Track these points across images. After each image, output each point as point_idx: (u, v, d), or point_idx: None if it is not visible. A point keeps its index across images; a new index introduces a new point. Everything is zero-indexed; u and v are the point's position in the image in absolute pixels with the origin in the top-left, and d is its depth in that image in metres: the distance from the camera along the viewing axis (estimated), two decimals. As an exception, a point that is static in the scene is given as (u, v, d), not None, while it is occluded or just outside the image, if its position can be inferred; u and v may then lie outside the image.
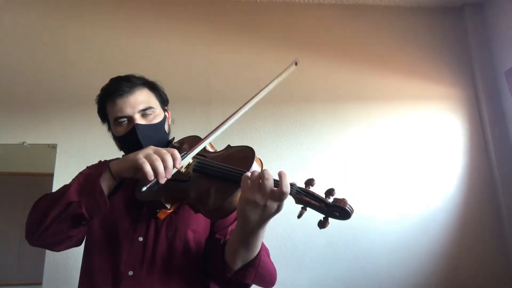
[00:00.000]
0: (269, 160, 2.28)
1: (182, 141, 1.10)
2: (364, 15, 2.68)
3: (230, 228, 0.99)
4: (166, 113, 1.12)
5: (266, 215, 0.76)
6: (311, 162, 2.33)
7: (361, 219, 2.23)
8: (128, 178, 1.06)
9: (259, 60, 2.46)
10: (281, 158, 2.31)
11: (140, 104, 1.01)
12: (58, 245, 0.93)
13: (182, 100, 2.24)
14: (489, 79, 2.56)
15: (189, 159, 0.87)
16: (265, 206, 0.75)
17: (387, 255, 2.22)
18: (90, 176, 0.88)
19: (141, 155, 0.81)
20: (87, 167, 1.12)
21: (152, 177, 0.77)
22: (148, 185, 0.78)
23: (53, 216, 0.83)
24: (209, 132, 0.95)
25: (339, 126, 2.43)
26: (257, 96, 0.98)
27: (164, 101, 1.12)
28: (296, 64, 1.03)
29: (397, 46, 2.63)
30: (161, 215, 0.92)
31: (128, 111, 1.00)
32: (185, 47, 2.44)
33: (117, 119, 1.01)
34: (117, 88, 1.02)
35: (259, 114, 2.37)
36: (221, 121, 0.93)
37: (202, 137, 1.09)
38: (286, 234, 2.14)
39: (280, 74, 1.01)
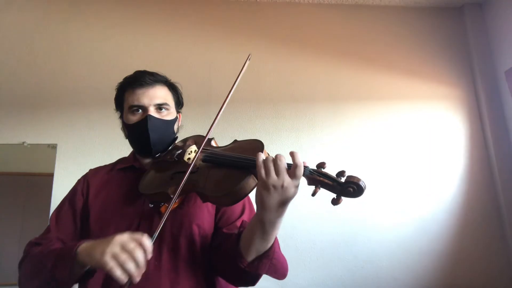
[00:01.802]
0: (269, 160, 2.28)
1: (185, 140, 1.11)
2: (364, 15, 2.68)
3: (237, 223, 0.99)
4: (178, 115, 1.14)
5: (284, 199, 0.77)
6: (311, 162, 2.32)
7: (361, 219, 2.23)
8: (129, 172, 1.07)
9: (259, 60, 2.46)
10: (281, 158, 2.31)
11: (157, 98, 1.04)
12: None
13: (183, 99, 2.24)
14: (489, 79, 2.56)
15: (156, 234, 0.79)
16: (282, 187, 0.75)
17: (387, 256, 2.22)
18: (62, 260, 0.84)
19: (108, 256, 0.72)
20: (78, 180, 1.11)
21: (125, 281, 0.71)
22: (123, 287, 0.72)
23: (36, 285, 0.89)
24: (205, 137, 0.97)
25: (339, 125, 2.43)
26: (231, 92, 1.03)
27: (179, 104, 1.15)
28: (249, 59, 1.05)
29: (397, 46, 2.63)
30: (164, 209, 0.91)
31: (145, 101, 1.02)
32: (185, 47, 2.44)
33: (132, 107, 1.03)
34: (139, 78, 1.05)
35: (259, 114, 2.37)
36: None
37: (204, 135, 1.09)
38: (287, 234, 2.15)
39: (240, 73, 1.07)
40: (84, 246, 0.82)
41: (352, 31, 2.64)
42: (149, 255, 0.74)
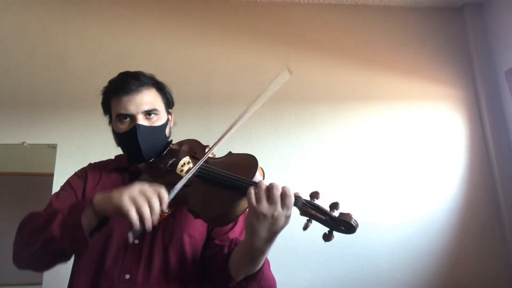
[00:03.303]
0: (269, 160, 2.28)
1: (180, 143, 1.09)
2: (364, 15, 2.68)
3: (229, 235, 0.99)
4: (169, 116, 1.11)
5: (274, 228, 0.77)
6: (311, 162, 2.33)
7: (361, 219, 2.22)
8: (125, 173, 1.05)
9: (259, 60, 2.46)
10: (282, 159, 2.31)
11: (145, 104, 1.00)
12: (46, 269, 0.90)
13: (182, 100, 2.23)
14: (489, 79, 2.56)
15: (175, 193, 0.80)
16: (273, 217, 0.75)
17: (387, 256, 2.22)
18: (74, 210, 0.81)
19: (126, 198, 0.74)
20: (76, 172, 1.10)
21: (138, 225, 0.72)
22: (134, 233, 0.73)
23: (37, 247, 0.81)
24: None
25: (339, 125, 2.43)
26: (254, 105, 1.02)
27: (169, 104, 1.11)
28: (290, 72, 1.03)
29: (397, 46, 2.63)
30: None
31: (132, 109, 0.99)
32: (186, 47, 2.44)
33: (119, 116, 1.00)
34: (124, 84, 1.00)
35: (259, 114, 2.37)
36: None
37: (201, 140, 1.08)
38: (287, 234, 2.13)
39: (275, 81, 1.04)
40: (100, 194, 0.82)
41: (352, 31, 2.64)
42: (165, 207, 0.76)
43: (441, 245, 2.27)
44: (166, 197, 0.76)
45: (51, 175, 2.09)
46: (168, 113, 1.11)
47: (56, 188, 2.11)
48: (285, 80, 0.99)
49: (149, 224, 0.72)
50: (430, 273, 2.22)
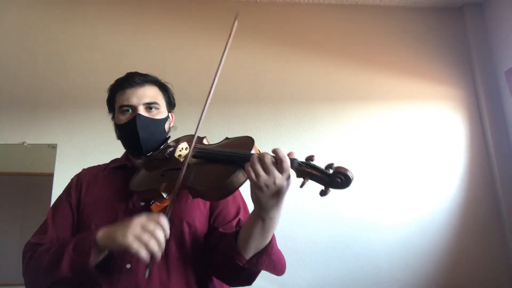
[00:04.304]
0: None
1: (177, 140, 1.10)
2: (364, 15, 2.68)
3: (233, 223, 0.99)
4: (170, 115, 1.14)
5: (279, 192, 0.78)
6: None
7: (361, 219, 2.23)
8: (121, 171, 1.07)
9: (259, 59, 2.46)
10: (281, 158, 2.31)
11: (146, 97, 1.05)
12: None
13: (182, 100, 2.23)
14: (489, 79, 2.56)
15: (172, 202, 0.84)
16: (274, 184, 0.76)
17: (387, 256, 2.22)
18: (80, 250, 0.83)
19: (131, 238, 0.76)
20: (72, 179, 1.11)
21: (149, 261, 0.76)
22: (149, 269, 0.78)
23: (48, 285, 0.85)
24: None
25: (339, 125, 2.43)
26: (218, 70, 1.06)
27: (171, 104, 1.15)
28: (236, 19, 1.04)
29: (397, 46, 2.63)
30: (155, 207, 0.91)
31: (134, 101, 1.03)
32: (186, 47, 2.44)
33: (122, 107, 1.04)
34: (129, 79, 1.06)
35: (259, 114, 2.37)
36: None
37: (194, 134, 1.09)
38: (287, 234, 2.14)
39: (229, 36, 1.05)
40: (102, 231, 0.83)
41: (352, 31, 2.64)
42: (168, 234, 0.78)
43: (441, 245, 2.27)
44: (167, 224, 0.78)
45: (51, 175, 2.09)
46: (169, 112, 1.14)
47: (56, 188, 2.12)
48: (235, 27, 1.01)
49: (159, 257, 0.76)
50: (430, 273, 2.22)
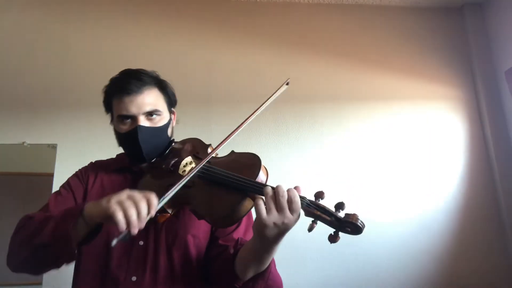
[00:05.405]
0: (269, 160, 2.28)
1: (183, 142, 1.08)
2: (364, 15, 2.68)
3: (233, 235, 0.98)
4: (171, 115, 1.10)
5: (285, 232, 0.78)
6: (311, 162, 2.33)
7: (361, 219, 2.23)
8: (127, 173, 1.04)
9: (259, 59, 2.46)
10: (282, 158, 2.31)
11: (146, 105, 0.99)
12: (38, 274, 0.90)
13: (182, 100, 2.23)
14: (489, 79, 2.56)
15: (167, 200, 0.79)
16: (283, 223, 0.75)
17: (387, 256, 2.22)
18: (65, 217, 0.80)
19: (113, 202, 0.72)
20: (77, 171, 1.10)
21: (124, 227, 0.69)
22: (119, 238, 0.69)
23: (28, 252, 0.81)
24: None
25: (339, 126, 2.43)
26: (253, 114, 1.05)
27: (171, 103, 1.10)
28: (287, 84, 1.03)
29: (397, 46, 2.63)
30: (160, 218, 0.91)
31: (134, 110, 0.97)
32: (186, 47, 2.44)
33: (121, 117, 0.99)
34: (126, 85, 0.98)
35: (259, 115, 2.36)
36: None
37: (204, 139, 1.08)
38: (286, 234, 2.14)
39: (274, 93, 1.07)
40: (91, 202, 0.81)
41: (352, 31, 2.64)
42: (153, 212, 0.73)
43: (441, 244, 2.27)
44: (155, 203, 0.74)
45: (51, 175, 2.08)
46: (171, 112, 1.10)
47: (56, 188, 2.10)
48: (284, 89, 1.03)
49: (134, 228, 0.70)
50: (430, 272, 2.22)
